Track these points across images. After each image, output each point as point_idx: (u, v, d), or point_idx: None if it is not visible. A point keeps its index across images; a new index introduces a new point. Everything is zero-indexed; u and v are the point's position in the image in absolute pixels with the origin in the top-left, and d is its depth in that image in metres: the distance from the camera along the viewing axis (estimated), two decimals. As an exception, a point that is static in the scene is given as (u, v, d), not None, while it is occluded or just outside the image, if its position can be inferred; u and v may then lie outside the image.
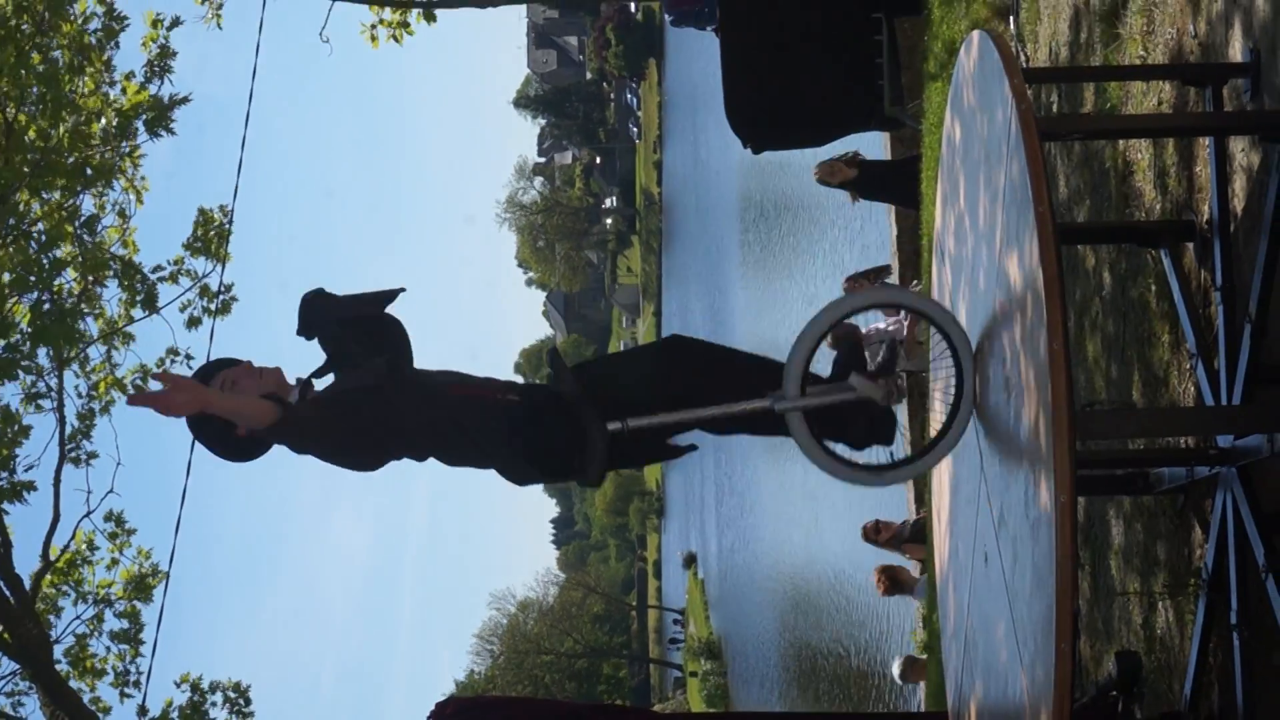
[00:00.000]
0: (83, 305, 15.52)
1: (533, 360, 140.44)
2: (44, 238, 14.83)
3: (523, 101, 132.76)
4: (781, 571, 35.76)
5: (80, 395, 16.56)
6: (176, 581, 13.31)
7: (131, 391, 16.51)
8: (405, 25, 17.57)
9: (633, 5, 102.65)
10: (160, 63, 15.49)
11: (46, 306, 14.72)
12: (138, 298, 16.05)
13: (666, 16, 58.59)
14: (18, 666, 15.91)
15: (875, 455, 5.57)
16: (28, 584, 15.95)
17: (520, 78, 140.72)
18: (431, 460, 5.61)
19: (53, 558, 16.61)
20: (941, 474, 6.40)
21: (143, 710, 16.49)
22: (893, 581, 13.66)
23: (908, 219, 14.72)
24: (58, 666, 15.90)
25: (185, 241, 16.28)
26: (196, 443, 5.68)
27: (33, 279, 14.56)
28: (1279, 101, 5.60)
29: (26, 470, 14.40)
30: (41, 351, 15.19)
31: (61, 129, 14.10)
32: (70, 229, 15.13)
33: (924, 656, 12.61)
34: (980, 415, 5.18)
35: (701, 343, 5.78)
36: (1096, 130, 7.09)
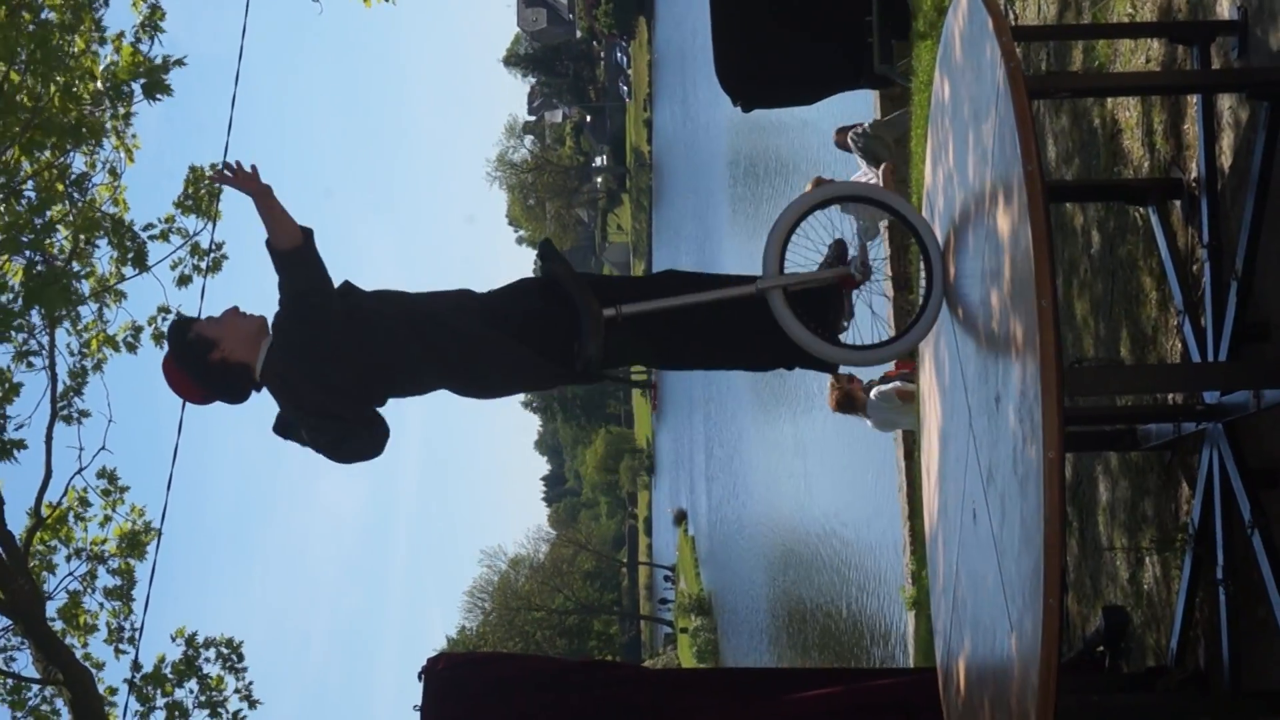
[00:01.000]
0: (74, 264, 15.52)
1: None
2: (35, 198, 14.82)
3: (513, 60, 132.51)
4: (771, 528, 35.87)
5: (72, 353, 16.61)
6: (169, 539, 13.36)
7: (122, 349, 16.55)
8: (398, -17, 17.46)
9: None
10: (151, 22, 15.47)
11: (40, 268, 14.71)
12: (128, 256, 16.05)
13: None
14: (10, 622, 15.95)
15: (856, 337, 5.73)
16: (20, 540, 15.99)
17: (510, 36, 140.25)
18: (429, 404, 5.69)
19: (45, 514, 16.65)
20: (930, 430, 6.43)
21: (136, 666, 16.56)
22: (845, 397, 12.90)
23: (898, 179, 14.74)
24: (51, 623, 15.94)
25: (176, 199, 16.28)
26: (182, 372, 5.73)
27: (25, 239, 14.55)
28: (1266, 59, 5.61)
29: (18, 429, 14.42)
30: (33, 310, 15.17)
31: (53, 88, 14.07)
32: (61, 187, 15.12)
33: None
34: (968, 373, 5.21)
35: (692, 272, 5.92)
36: (1085, 88, 7.11)
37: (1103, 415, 6.51)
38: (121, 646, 17.27)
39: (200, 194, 16.52)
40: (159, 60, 15.25)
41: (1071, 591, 7.49)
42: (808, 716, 6.96)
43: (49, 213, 15.02)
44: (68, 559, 17.29)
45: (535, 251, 5.84)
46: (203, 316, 5.85)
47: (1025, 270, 4.25)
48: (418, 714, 7.15)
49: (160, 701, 17.08)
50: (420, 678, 7.19)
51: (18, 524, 16.50)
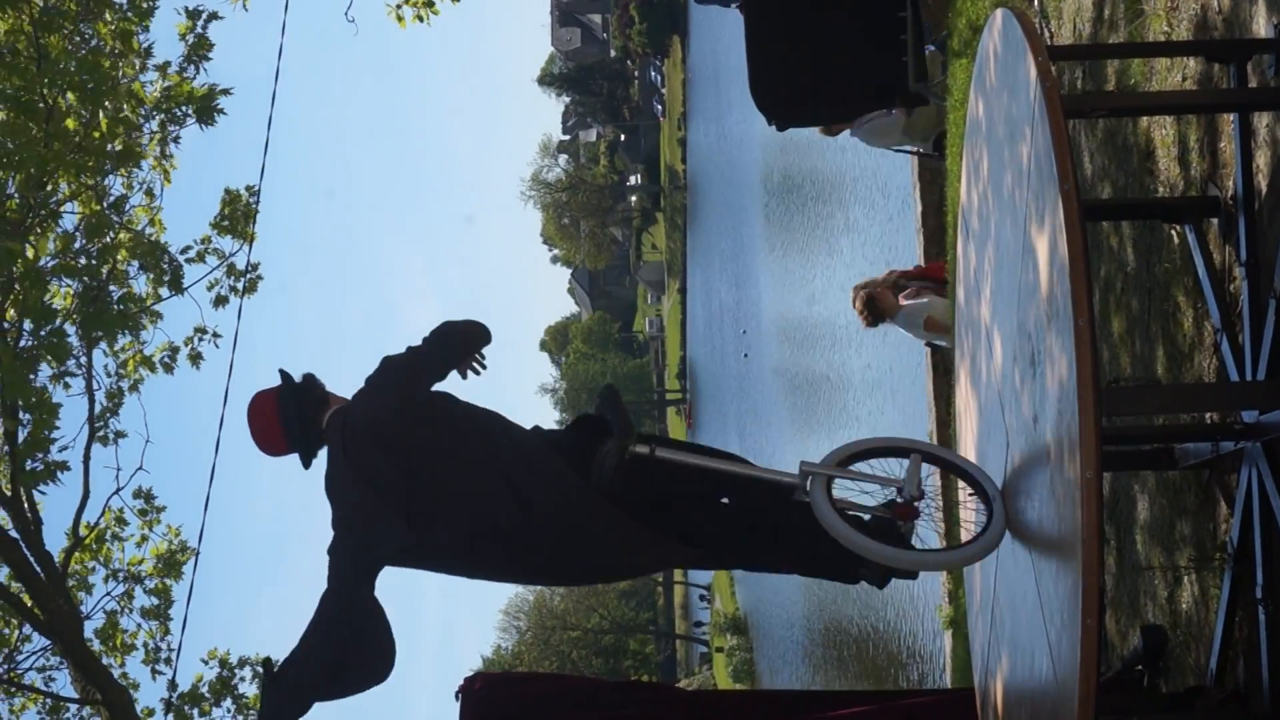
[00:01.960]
0: (111, 286, 15.58)
1: (557, 338, 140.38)
2: (81, 224, 14.92)
3: (547, 79, 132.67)
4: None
5: (109, 374, 16.68)
6: (206, 559, 13.38)
7: (159, 368, 16.64)
8: (430, 4, 17.54)
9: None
10: (197, 53, 15.59)
11: (94, 297, 14.78)
12: (164, 278, 16.13)
13: (690, -7, 58.58)
14: (49, 642, 16.01)
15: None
16: (58, 561, 16.06)
17: (544, 55, 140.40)
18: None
19: (83, 535, 16.72)
20: (967, 447, 6.42)
21: (173, 685, 16.61)
22: (870, 301, 12.23)
23: (933, 196, 14.71)
24: (88, 643, 15.99)
25: (213, 220, 16.37)
26: (279, 415, 5.81)
27: (81, 264, 14.67)
28: (1303, 77, 5.60)
29: (61, 450, 14.47)
30: (70, 329, 15.27)
31: (101, 115, 14.17)
32: (99, 208, 15.20)
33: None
34: (1005, 392, 5.20)
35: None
36: (1120, 107, 7.10)
37: (1140, 434, 6.48)
38: (158, 667, 17.34)
39: (236, 215, 16.60)
40: (204, 88, 15.40)
41: (1110, 611, 7.46)
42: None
43: (107, 239, 15.11)
44: (105, 579, 17.37)
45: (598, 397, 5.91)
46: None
47: (1062, 289, 4.24)
48: (455, 735, 7.15)
49: (198, 720, 17.13)
50: (457, 698, 7.20)
51: (56, 544, 16.59)
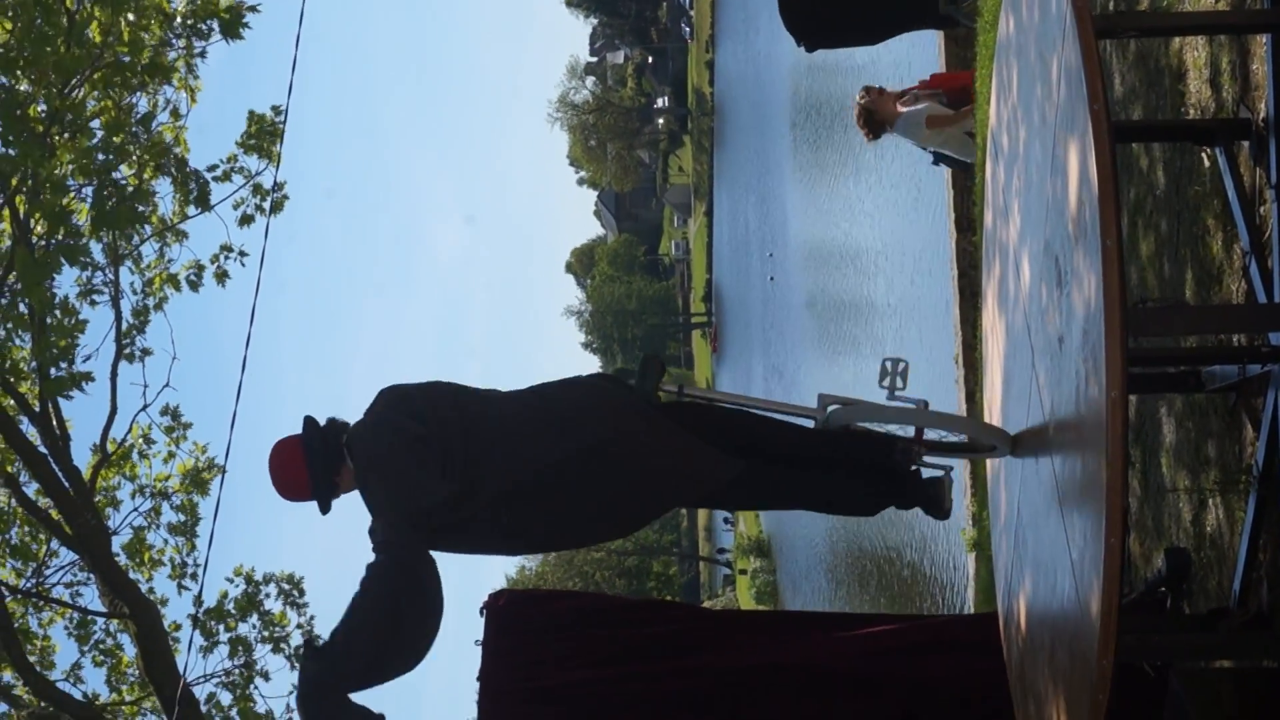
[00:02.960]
0: (136, 203, 15.57)
1: (583, 261, 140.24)
2: (103, 131, 14.91)
3: (575, 1, 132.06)
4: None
5: (135, 291, 16.72)
6: (232, 475, 13.41)
7: (185, 286, 16.69)
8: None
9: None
10: (224, -30, 15.55)
11: (111, 202, 14.76)
12: (190, 196, 16.14)
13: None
14: (76, 557, 16.13)
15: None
16: (86, 476, 16.15)
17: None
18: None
19: (110, 451, 16.81)
20: (993, 368, 6.42)
21: (199, 601, 16.72)
22: (865, 114, 11.79)
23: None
24: (115, 558, 16.09)
25: (239, 139, 16.34)
26: (305, 462, 5.79)
27: (95, 164, 14.64)
28: (1337, -2, 5.56)
29: (85, 360, 14.52)
30: (96, 247, 15.29)
31: (124, 25, 14.15)
32: (124, 118, 15.19)
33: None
34: (1031, 312, 5.20)
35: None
36: (1152, 27, 7.04)
37: (1166, 357, 6.47)
38: (185, 582, 17.48)
39: (263, 135, 16.58)
40: (231, 1, 15.37)
41: (1133, 533, 7.47)
42: (865, 653, 6.97)
43: (115, 140, 15.09)
44: (132, 495, 17.48)
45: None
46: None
47: (1090, 209, 4.23)
48: (479, 649, 7.19)
49: (224, 636, 17.27)
50: (482, 613, 7.23)
51: (83, 461, 16.68)
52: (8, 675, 16.45)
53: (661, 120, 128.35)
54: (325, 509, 5.89)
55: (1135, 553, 7.49)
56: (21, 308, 14.30)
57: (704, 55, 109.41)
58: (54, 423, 15.52)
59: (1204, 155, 6.58)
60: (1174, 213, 7.05)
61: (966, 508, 14.31)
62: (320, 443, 5.76)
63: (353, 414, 5.98)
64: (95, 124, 14.99)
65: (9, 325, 14.44)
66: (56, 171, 13.78)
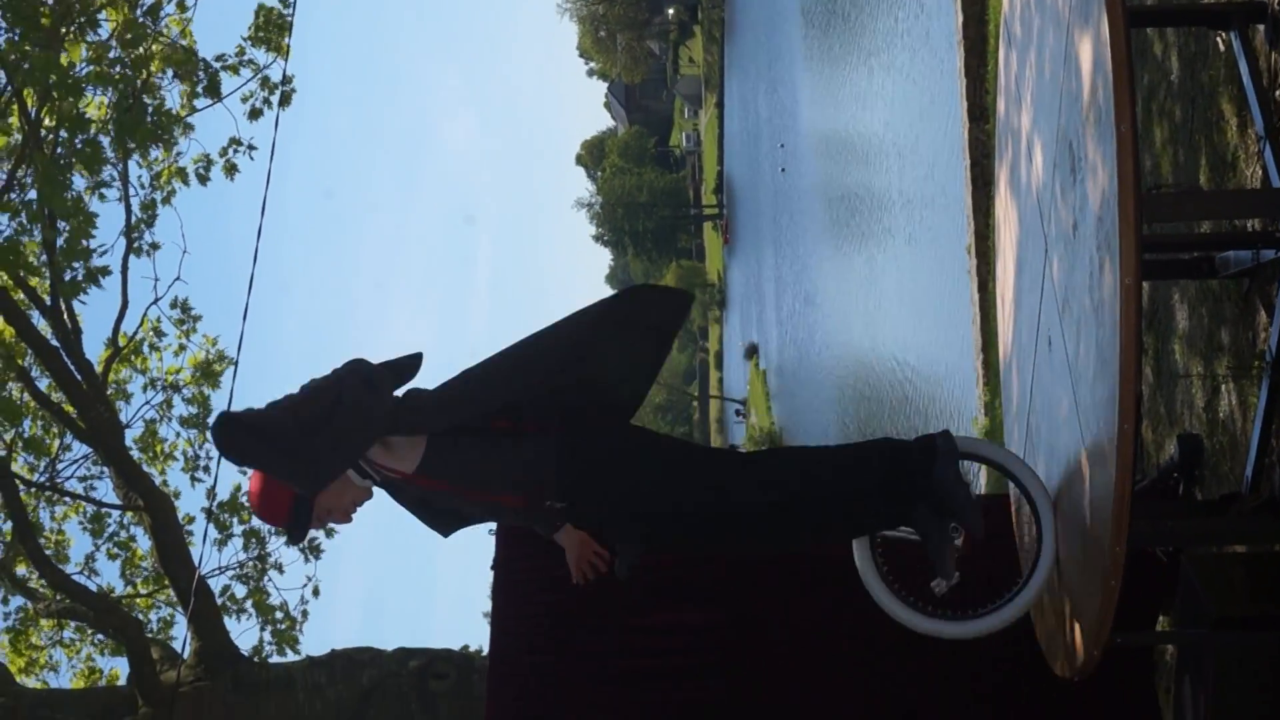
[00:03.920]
0: (144, 97, 15.51)
1: (593, 152, 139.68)
2: (117, 31, 14.84)
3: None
4: (843, 360, 35.86)
5: (143, 186, 16.69)
6: (244, 368, 13.39)
7: (194, 180, 16.67)
8: None
9: None
10: None
11: (130, 102, 14.71)
12: (199, 86, 16.07)
13: None
14: (89, 450, 16.19)
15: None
16: (98, 370, 16.17)
17: None
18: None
19: (121, 345, 16.83)
20: (1006, 257, 6.40)
21: (212, 494, 16.79)
22: None
23: (974, 6, 14.52)
24: (129, 452, 16.13)
25: (247, 32, 16.26)
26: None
27: (116, 72, 14.59)
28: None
29: (101, 255, 14.48)
30: (104, 140, 15.23)
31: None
32: (132, 16, 15.11)
33: None
34: (1044, 199, 5.17)
35: None
36: (1168, -90, 6.97)
37: (1180, 243, 6.45)
38: (198, 475, 17.55)
39: (270, 27, 16.49)
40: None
41: (1146, 420, 7.48)
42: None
43: (140, 50, 15.03)
44: (143, 389, 17.54)
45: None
46: None
47: (1105, 94, 4.20)
48: (493, 539, 7.23)
49: (238, 529, 17.35)
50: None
51: (95, 355, 16.71)
52: (23, 569, 16.57)
53: (671, 10, 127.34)
54: (298, 539, 5.49)
55: (1148, 440, 7.50)
56: (31, 194, 14.25)
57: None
58: (65, 316, 15.52)
59: (1219, 39, 6.53)
60: (1188, 99, 7.00)
61: (979, 397, 14.33)
62: None
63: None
64: (104, 19, 14.92)
65: (21, 219, 14.40)
66: (72, 71, 13.72)
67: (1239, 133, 6.34)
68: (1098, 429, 4.34)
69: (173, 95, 16.42)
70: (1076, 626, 4.80)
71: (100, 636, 16.81)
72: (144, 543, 16.91)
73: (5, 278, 14.75)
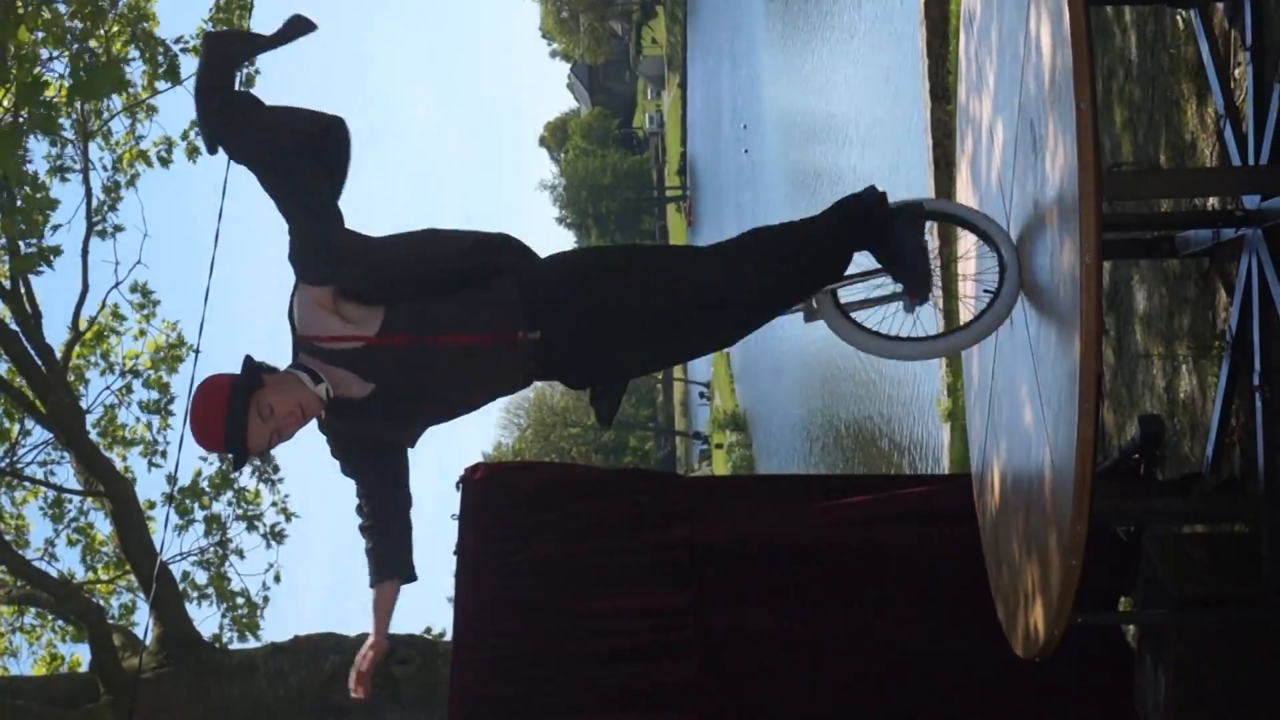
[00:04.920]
0: (114, 72, 15.37)
1: (556, 134, 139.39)
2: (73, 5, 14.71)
3: None
4: (806, 343, 35.87)
5: (105, 169, 16.58)
6: (205, 353, 13.31)
7: (156, 163, 16.56)
8: None
9: None
10: None
11: (86, 60, 14.58)
12: (160, 70, 15.97)
13: None
14: (50, 435, 16.08)
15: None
16: (59, 354, 16.07)
17: None
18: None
19: (81, 329, 16.74)
20: (968, 237, 6.40)
21: (172, 479, 16.70)
22: None
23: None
24: (89, 436, 16.04)
25: (209, 14, 16.16)
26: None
27: (67, 31, 14.45)
28: None
29: (54, 231, 14.38)
30: (66, 123, 15.11)
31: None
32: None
33: None
34: (1005, 179, 5.16)
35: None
36: (1128, -112, 6.96)
37: (1140, 222, 6.46)
38: (156, 459, 17.46)
39: (231, 8, 16.40)
40: None
41: (1107, 401, 7.49)
42: (841, 523, 7.00)
43: (85, 10, 14.88)
44: (102, 373, 17.44)
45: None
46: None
47: (1064, 72, 4.19)
48: (455, 523, 7.20)
49: (199, 514, 17.27)
50: (458, 488, 7.23)
51: (56, 339, 16.61)
52: (-18, 554, 16.47)
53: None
54: (239, 465, 5.38)
55: (1109, 422, 7.51)
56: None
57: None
58: (25, 301, 15.42)
59: (1178, 17, 6.52)
60: (1148, 79, 7.00)
61: (942, 378, 14.36)
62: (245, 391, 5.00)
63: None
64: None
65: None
66: (25, 40, 13.58)
67: (1198, 113, 6.35)
68: (1059, 407, 4.34)
69: (134, 76, 16.28)
70: (1038, 607, 4.80)
71: (61, 623, 16.72)
72: (104, 528, 16.83)
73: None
